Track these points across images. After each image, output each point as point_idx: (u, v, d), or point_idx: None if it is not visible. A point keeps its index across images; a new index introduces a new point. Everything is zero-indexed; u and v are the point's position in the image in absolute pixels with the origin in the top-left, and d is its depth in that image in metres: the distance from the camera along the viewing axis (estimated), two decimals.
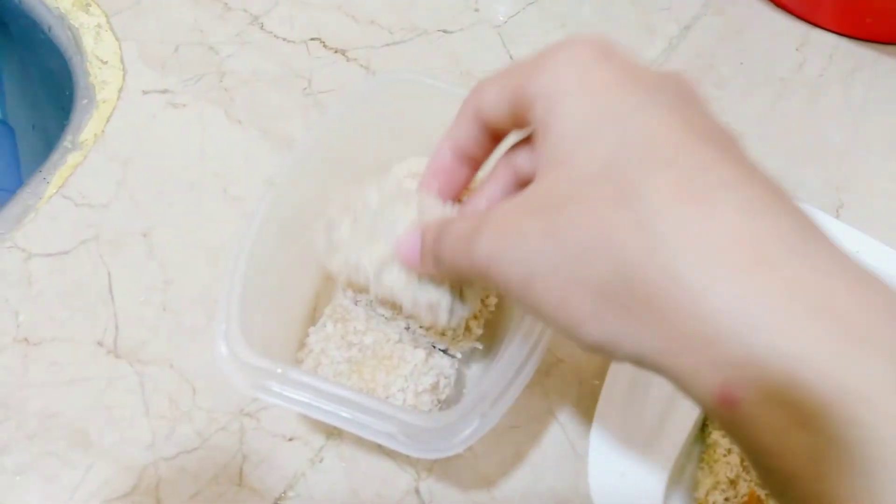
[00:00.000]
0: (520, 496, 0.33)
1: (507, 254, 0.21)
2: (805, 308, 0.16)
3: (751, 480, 0.29)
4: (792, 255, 0.17)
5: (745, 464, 0.29)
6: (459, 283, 0.27)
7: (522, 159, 0.25)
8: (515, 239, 0.20)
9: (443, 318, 0.27)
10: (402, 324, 0.32)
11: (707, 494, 0.30)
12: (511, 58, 0.48)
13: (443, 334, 0.32)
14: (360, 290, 0.32)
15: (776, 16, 0.51)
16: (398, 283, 0.27)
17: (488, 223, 0.21)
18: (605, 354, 0.20)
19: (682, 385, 0.18)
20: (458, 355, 0.33)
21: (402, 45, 0.48)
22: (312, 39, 0.47)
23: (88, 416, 0.34)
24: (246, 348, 0.27)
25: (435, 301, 0.27)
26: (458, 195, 0.28)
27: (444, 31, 0.49)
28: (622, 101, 0.20)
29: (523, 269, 0.20)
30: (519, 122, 0.23)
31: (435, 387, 0.31)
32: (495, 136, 0.26)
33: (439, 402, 0.32)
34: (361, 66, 0.47)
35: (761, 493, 0.28)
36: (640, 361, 0.19)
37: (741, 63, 0.49)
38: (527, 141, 0.25)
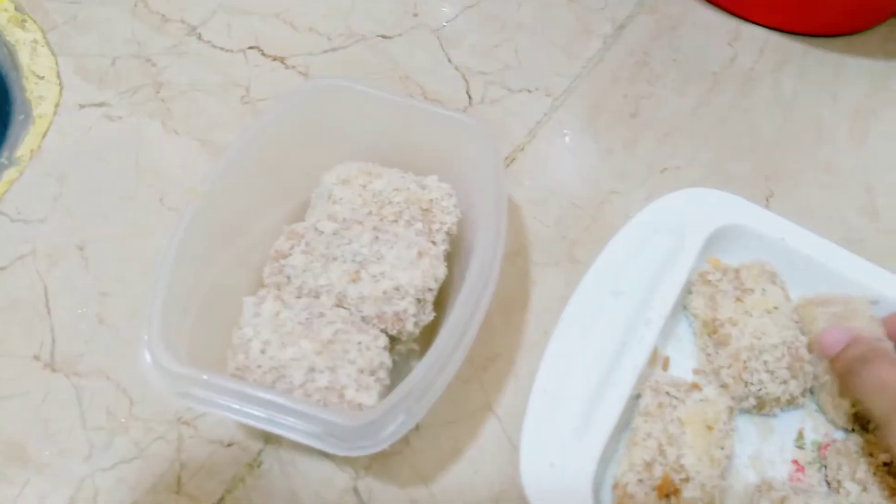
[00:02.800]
0: (458, 490, 0.34)
1: None
2: None
3: (666, 464, 0.29)
4: None
5: (662, 448, 0.30)
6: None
7: None
8: None
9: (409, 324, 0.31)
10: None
11: (623, 475, 0.30)
12: (450, 61, 0.49)
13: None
14: None
15: (708, 12, 0.53)
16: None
17: None
18: None
19: None
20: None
21: (340, 52, 0.48)
22: (251, 48, 0.48)
23: (25, 431, 0.34)
24: (169, 356, 0.27)
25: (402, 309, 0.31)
26: None
27: (383, 37, 0.49)
28: None
29: None
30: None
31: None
32: None
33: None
34: (300, 73, 0.47)
35: (675, 477, 0.29)
36: None
37: (674, 59, 0.50)
38: None
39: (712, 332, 0.36)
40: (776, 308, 0.36)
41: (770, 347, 0.34)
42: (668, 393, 0.32)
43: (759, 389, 0.34)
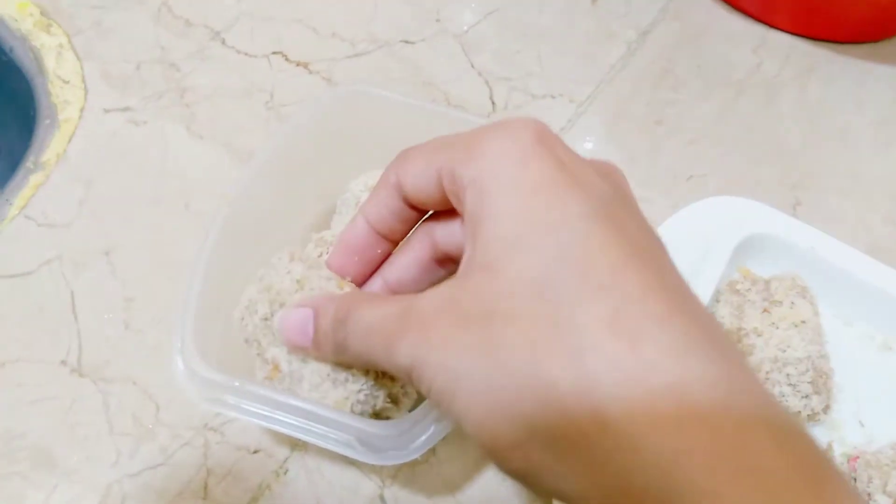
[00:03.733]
0: (484, 500, 0.33)
1: (432, 362, 0.19)
2: (731, 469, 0.16)
3: None
4: (718, 404, 0.17)
5: None
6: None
7: (442, 233, 0.24)
8: (441, 350, 0.19)
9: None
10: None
11: None
12: (473, 67, 0.49)
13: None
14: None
15: (733, 18, 0.52)
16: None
17: (412, 323, 0.20)
18: (523, 485, 0.19)
19: None
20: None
21: (363, 57, 0.48)
22: (274, 53, 0.48)
23: (53, 436, 0.34)
24: (201, 363, 0.27)
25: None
26: (370, 273, 0.27)
27: (406, 42, 0.49)
28: (559, 208, 0.19)
29: (448, 381, 0.19)
30: (445, 203, 0.22)
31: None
32: (416, 211, 0.24)
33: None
34: (324, 78, 0.47)
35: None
36: (560, 499, 0.18)
37: (699, 66, 0.50)
38: (447, 214, 0.24)
39: (737, 342, 0.36)
40: (804, 322, 0.35)
41: (794, 361, 0.34)
42: None
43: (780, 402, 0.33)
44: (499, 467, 0.19)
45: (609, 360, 0.17)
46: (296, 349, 0.25)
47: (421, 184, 0.22)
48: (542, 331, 0.18)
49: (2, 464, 0.33)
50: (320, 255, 0.32)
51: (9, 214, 0.40)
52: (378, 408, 0.27)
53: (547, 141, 0.21)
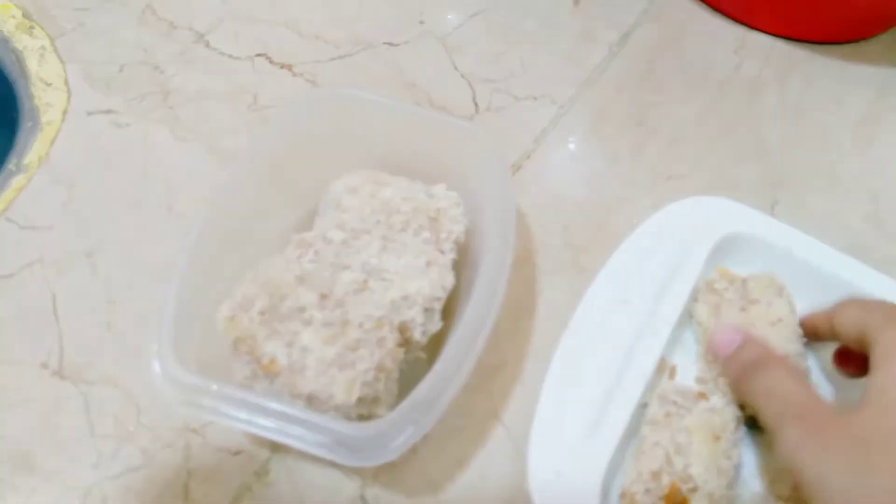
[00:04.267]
0: (465, 498, 0.34)
1: (811, 455, 0.26)
2: None
3: (673, 474, 0.29)
4: None
5: (670, 457, 0.30)
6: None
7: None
8: (823, 450, 0.26)
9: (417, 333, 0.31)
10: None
11: (630, 485, 0.30)
12: (456, 68, 0.49)
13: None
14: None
15: (714, 20, 0.53)
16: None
17: (809, 417, 0.27)
18: None
19: None
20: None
21: (347, 59, 0.49)
22: (258, 55, 0.48)
23: (33, 439, 0.34)
24: (179, 366, 0.27)
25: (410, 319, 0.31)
26: None
27: (390, 44, 0.50)
28: None
29: (817, 477, 0.25)
30: (859, 344, 0.30)
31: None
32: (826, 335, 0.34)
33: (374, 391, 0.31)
34: (307, 80, 0.47)
35: (682, 487, 0.29)
36: None
37: (679, 67, 0.50)
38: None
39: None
40: (780, 320, 0.36)
41: None
42: (675, 402, 0.32)
43: None
44: None
45: None
46: (714, 353, 0.34)
47: (848, 329, 0.31)
48: None
49: None
50: (300, 257, 0.33)
51: None
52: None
53: None
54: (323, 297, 0.30)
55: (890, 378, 0.27)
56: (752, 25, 0.52)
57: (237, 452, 0.34)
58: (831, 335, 0.33)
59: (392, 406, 0.31)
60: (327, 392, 0.28)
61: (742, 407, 0.33)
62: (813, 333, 0.35)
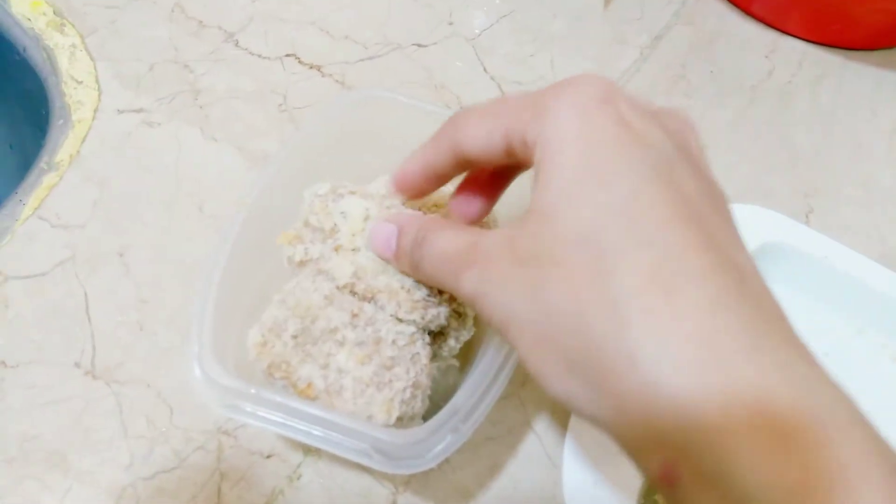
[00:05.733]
0: None
1: (490, 295, 0.22)
2: (745, 410, 0.17)
3: None
4: (740, 354, 0.18)
5: None
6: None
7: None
8: (499, 285, 0.22)
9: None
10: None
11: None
12: (485, 70, 0.49)
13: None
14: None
15: (745, 24, 0.52)
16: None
17: (477, 258, 0.23)
18: (565, 407, 0.22)
19: (630, 455, 0.20)
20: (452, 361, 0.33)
21: (376, 60, 0.48)
22: (287, 56, 0.48)
23: (67, 439, 0.34)
24: (218, 369, 0.27)
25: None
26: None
27: (419, 45, 0.49)
28: (614, 160, 0.20)
29: (503, 313, 0.22)
30: (512, 159, 0.24)
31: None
32: (471, 165, 0.27)
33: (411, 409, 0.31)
34: (337, 81, 0.47)
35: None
36: (596, 425, 0.21)
37: (711, 72, 0.49)
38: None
39: None
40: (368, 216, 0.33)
41: None
42: None
43: None
44: (545, 391, 0.21)
45: (643, 309, 0.19)
46: (383, 259, 0.29)
47: (484, 145, 0.24)
48: (585, 277, 0.20)
49: (16, 466, 0.33)
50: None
51: (22, 215, 0.40)
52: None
53: (612, 97, 0.22)
54: (354, 315, 0.30)
55: (556, 171, 0.21)
56: (784, 30, 0.52)
57: (269, 456, 0.34)
58: (458, 169, 0.27)
59: (424, 420, 0.30)
60: (366, 413, 0.27)
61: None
62: (422, 187, 0.29)
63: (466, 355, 0.35)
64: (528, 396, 0.36)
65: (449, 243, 0.24)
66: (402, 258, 0.27)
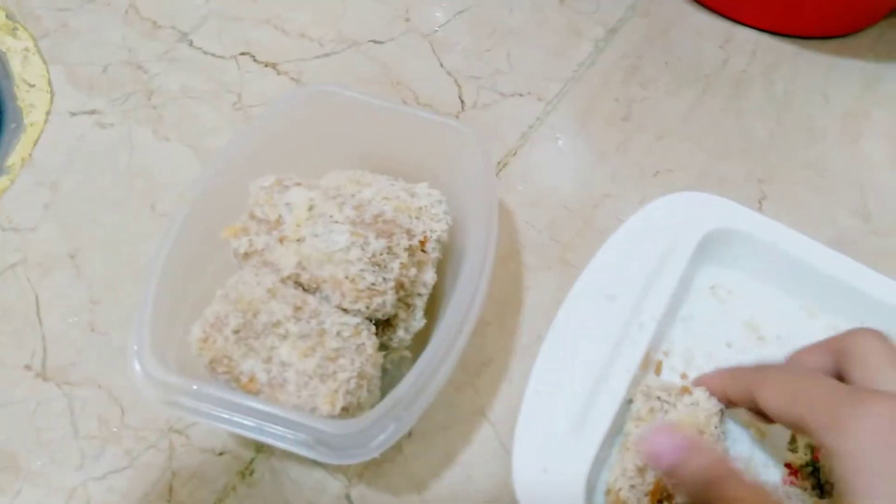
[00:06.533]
0: (451, 496, 0.34)
1: None
2: None
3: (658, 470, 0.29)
4: None
5: None
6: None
7: None
8: None
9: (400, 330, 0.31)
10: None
11: (615, 481, 0.30)
12: (442, 66, 0.49)
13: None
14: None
15: (700, 15, 0.53)
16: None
17: None
18: None
19: None
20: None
21: (332, 57, 0.48)
22: (242, 54, 0.48)
23: (17, 440, 0.34)
24: (158, 366, 0.27)
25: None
26: None
27: (375, 42, 0.49)
28: None
29: None
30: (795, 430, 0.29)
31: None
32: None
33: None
34: (292, 79, 0.47)
35: (667, 482, 0.29)
36: None
37: (666, 62, 0.50)
38: None
39: None
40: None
41: None
42: (659, 398, 0.32)
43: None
44: None
45: None
46: (650, 463, 0.30)
47: (776, 414, 0.27)
48: None
49: None
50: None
51: None
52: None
53: None
54: (297, 308, 0.30)
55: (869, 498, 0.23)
56: (738, 20, 0.52)
57: (221, 453, 0.34)
58: (751, 405, 0.29)
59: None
60: (310, 405, 0.27)
61: (729, 404, 0.31)
62: (725, 400, 0.32)
63: (421, 347, 0.35)
64: (482, 385, 0.36)
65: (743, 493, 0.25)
66: (680, 476, 0.28)
